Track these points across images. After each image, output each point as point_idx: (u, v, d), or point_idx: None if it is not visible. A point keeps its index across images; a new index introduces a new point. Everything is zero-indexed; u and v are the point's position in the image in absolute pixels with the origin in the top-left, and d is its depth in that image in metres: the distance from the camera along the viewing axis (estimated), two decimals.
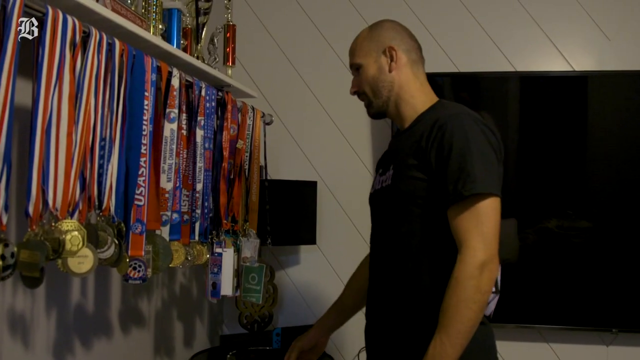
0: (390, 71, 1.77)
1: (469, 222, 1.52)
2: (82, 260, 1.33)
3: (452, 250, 1.55)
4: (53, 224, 1.28)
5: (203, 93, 1.91)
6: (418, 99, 1.78)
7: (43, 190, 1.23)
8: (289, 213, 2.80)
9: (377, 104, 1.80)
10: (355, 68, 1.83)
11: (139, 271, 1.59)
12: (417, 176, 1.63)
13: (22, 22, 1.16)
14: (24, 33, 1.16)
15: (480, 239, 1.50)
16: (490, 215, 1.53)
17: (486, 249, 1.50)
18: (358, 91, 1.85)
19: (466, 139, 1.57)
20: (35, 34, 1.19)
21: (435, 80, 2.85)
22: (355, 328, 2.94)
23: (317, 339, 2.07)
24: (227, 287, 2.06)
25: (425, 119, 1.71)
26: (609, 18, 2.86)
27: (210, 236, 2.01)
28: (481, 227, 1.51)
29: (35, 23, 1.19)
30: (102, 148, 1.41)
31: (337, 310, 2.10)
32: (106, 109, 1.42)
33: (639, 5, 2.83)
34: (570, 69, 2.85)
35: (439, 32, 2.94)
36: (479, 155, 1.56)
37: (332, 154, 3.07)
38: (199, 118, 1.89)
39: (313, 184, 2.92)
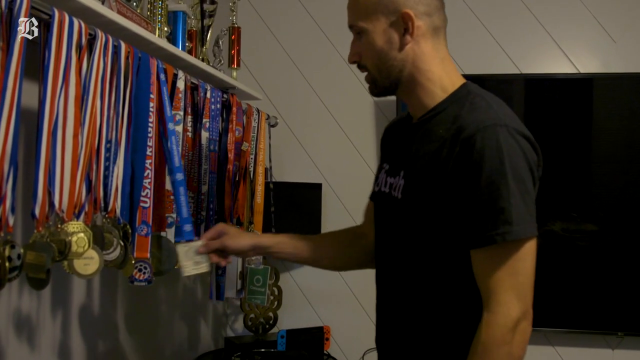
0: (403, 47, 1.36)
1: (501, 271, 1.23)
2: (88, 262, 1.33)
3: (475, 290, 1.29)
4: (59, 225, 1.28)
5: (208, 95, 1.92)
6: (437, 82, 1.39)
7: (49, 192, 1.23)
8: (294, 215, 2.80)
9: (383, 84, 1.42)
10: (357, 32, 1.43)
11: (144, 273, 1.59)
12: (434, 199, 1.30)
13: (22, 22, 1.15)
14: (23, 33, 1.15)
15: (513, 293, 1.22)
16: (527, 262, 1.24)
17: (521, 304, 1.23)
18: (358, 61, 1.45)
19: (500, 161, 1.22)
20: (35, 33, 1.19)
21: None
22: (359, 329, 2.95)
23: (245, 251, 1.70)
24: (230, 289, 2.06)
25: (443, 114, 1.36)
26: (615, 20, 2.85)
27: None
28: (516, 277, 1.23)
29: (35, 23, 1.19)
30: (107, 150, 1.41)
31: (288, 241, 1.72)
32: (112, 111, 1.42)
33: None
34: (576, 71, 2.85)
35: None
36: (515, 183, 1.22)
37: (337, 156, 3.07)
38: (204, 120, 1.89)
39: (318, 186, 2.93)
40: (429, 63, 1.38)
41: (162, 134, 1.64)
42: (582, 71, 2.85)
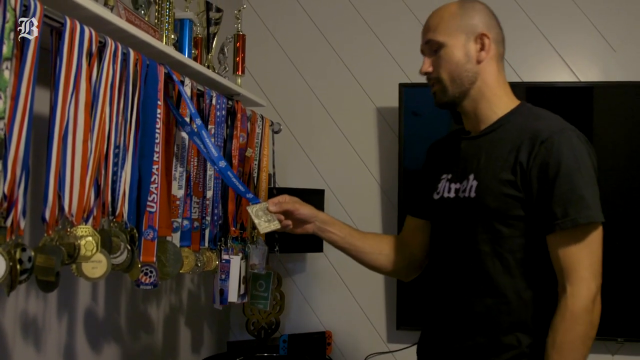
0: (478, 61, 1.58)
1: (581, 251, 1.43)
2: (96, 266, 1.35)
3: (547, 278, 1.49)
4: (68, 229, 1.30)
5: (214, 102, 1.94)
6: (500, 99, 1.61)
7: (59, 196, 1.25)
8: None
9: (453, 94, 1.61)
10: (434, 48, 1.61)
11: (150, 277, 1.61)
12: (511, 194, 1.49)
13: (22, 22, 1.16)
14: (24, 33, 1.17)
15: (591, 270, 1.42)
16: (599, 245, 1.45)
17: (597, 280, 1.43)
18: (431, 74, 1.64)
19: (575, 158, 1.46)
20: (35, 33, 1.21)
21: None
22: (361, 334, 2.97)
23: (312, 219, 1.76)
24: (233, 294, 2.08)
25: (509, 125, 1.57)
26: (615, 29, 2.88)
27: (219, 243, 2.03)
28: (592, 257, 1.44)
29: (35, 23, 1.20)
30: (116, 155, 1.44)
31: (343, 225, 1.83)
32: (120, 117, 1.45)
33: None
34: (576, 80, 2.88)
35: None
36: (588, 177, 1.46)
37: (340, 163, 3.10)
38: (209, 126, 1.91)
39: (320, 192, 2.94)
40: (496, 81, 1.61)
41: (193, 133, 1.73)
42: (582, 80, 2.88)
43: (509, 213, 1.50)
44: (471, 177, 1.57)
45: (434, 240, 1.73)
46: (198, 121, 1.72)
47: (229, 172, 1.73)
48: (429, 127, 2.89)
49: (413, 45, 3.02)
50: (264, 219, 1.67)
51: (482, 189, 1.54)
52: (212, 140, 1.92)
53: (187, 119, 1.76)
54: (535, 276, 1.52)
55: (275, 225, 1.69)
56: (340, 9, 3.16)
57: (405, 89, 2.87)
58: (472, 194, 1.55)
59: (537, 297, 1.52)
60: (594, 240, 1.44)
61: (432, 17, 1.63)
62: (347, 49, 3.13)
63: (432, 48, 1.62)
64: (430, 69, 1.63)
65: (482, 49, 1.58)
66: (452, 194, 1.63)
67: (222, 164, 1.72)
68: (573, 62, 2.90)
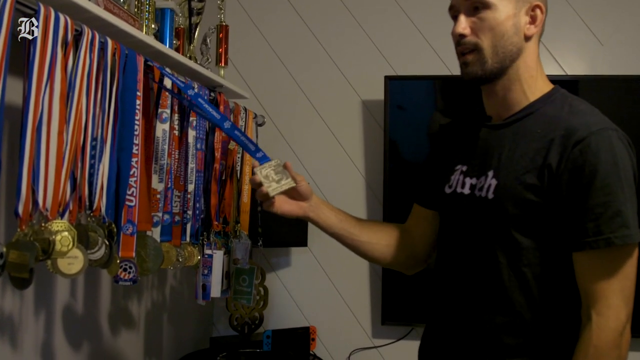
0: (527, 37, 1.34)
1: (612, 275, 1.23)
2: (72, 261, 1.31)
3: (568, 299, 1.30)
4: (43, 224, 1.26)
5: None
6: (536, 81, 1.38)
7: (33, 190, 1.21)
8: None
9: (491, 68, 1.34)
10: (475, 5, 1.33)
11: (129, 272, 1.58)
12: (533, 199, 1.28)
13: (22, 22, 1.14)
14: (24, 33, 1.15)
15: (622, 296, 1.23)
16: (634, 267, 1.25)
17: (628, 308, 1.24)
18: (468, 37, 1.35)
19: (615, 165, 1.23)
20: (36, 34, 1.18)
21: (428, 82, 2.87)
22: (345, 329, 2.95)
23: (309, 198, 1.56)
24: (216, 289, 2.05)
25: (539, 114, 1.35)
26: (602, 23, 2.87)
27: (201, 237, 2.00)
28: (624, 281, 1.23)
29: (35, 23, 1.17)
30: (93, 148, 1.39)
31: (339, 211, 1.63)
32: (98, 109, 1.40)
33: (632, 10, 2.84)
34: (563, 73, 2.86)
35: (432, 35, 2.94)
36: (629, 188, 1.24)
37: (324, 156, 3.06)
38: (191, 119, 1.87)
39: None
40: (535, 61, 1.38)
41: (190, 103, 1.68)
42: (569, 73, 2.86)
43: (530, 222, 1.30)
44: (490, 174, 1.36)
45: (442, 239, 1.54)
46: (190, 91, 1.66)
47: (236, 131, 1.60)
48: (415, 120, 2.87)
49: (399, 37, 3.02)
50: (274, 180, 1.46)
51: (501, 190, 1.33)
52: (194, 133, 1.89)
53: (168, 111, 1.72)
54: (555, 296, 1.32)
55: (289, 184, 1.47)
56: (325, 0, 3.12)
57: (391, 82, 2.84)
58: (490, 195, 1.34)
59: (555, 320, 1.33)
60: (630, 263, 1.24)
61: None
62: (332, 41, 3.09)
63: (473, 5, 1.33)
64: (467, 32, 1.34)
65: (532, 22, 1.35)
66: (466, 190, 1.42)
67: (227, 124, 1.60)
68: (560, 55, 2.88)
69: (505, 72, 1.36)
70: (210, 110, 1.62)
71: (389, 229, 1.68)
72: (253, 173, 1.48)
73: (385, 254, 1.65)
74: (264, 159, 1.53)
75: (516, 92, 1.38)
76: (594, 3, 2.88)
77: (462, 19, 1.35)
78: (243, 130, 2.28)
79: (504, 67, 1.35)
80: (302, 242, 2.89)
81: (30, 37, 1.16)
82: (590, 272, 1.25)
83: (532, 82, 1.37)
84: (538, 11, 1.35)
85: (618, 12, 2.86)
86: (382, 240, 1.64)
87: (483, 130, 1.45)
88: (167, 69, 1.71)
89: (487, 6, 1.32)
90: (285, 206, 1.53)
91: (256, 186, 1.47)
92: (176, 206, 1.84)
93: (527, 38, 1.35)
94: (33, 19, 1.17)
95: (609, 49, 2.85)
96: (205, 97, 1.97)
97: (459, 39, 1.37)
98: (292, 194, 1.53)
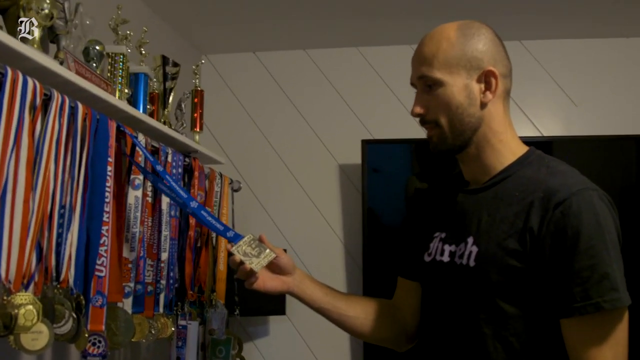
0: (483, 105, 1.30)
1: (603, 341, 1.17)
2: (37, 337, 1.24)
3: None
4: (5, 297, 1.19)
5: (169, 159, 1.86)
6: (507, 145, 1.33)
7: None
8: None
9: (453, 143, 1.32)
10: (428, 83, 1.32)
11: (98, 347, 1.49)
12: (516, 265, 1.22)
13: (21, 21, 1.13)
14: (24, 33, 1.13)
15: None
16: (625, 332, 1.18)
17: None
18: (425, 117, 1.34)
19: (598, 226, 1.18)
20: (36, 34, 1.12)
21: (405, 146, 2.87)
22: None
23: (293, 272, 1.50)
24: None
25: (517, 177, 1.30)
26: (576, 84, 2.92)
27: (175, 308, 1.92)
28: (617, 347, 1.17)
29: (36, 23, 1.12)
30: (61, 216, 1.34)
31: (322, 285, 1.56)
32: (67, 175, 1.35)
33: (605, 71, 2.89)
34: (539, 134, 2.88)
35: (408, 98, 2.91)
36: (614, 249, 1.18)
37: (302, 221, 3.03)
38: None
39: None
40: (502, 125, 1.33)
41: (156, 179, 1.62)
42: (545, 134, 2.88)
43: (514, 289, 1.23)
44: (470, 240, 1.30)
45: (425, 310, 1.46)
46: (159, 167, 1.61)
47: (202, 212, 1.56)
48: (392, 183, 2.86)
49: (375, 101, 3.03)
50: (254, 253, 1.41)
51: (483, 257, 1.26)
52: (168, 199, 1.83)
53: (140, 177, 1.67)
54: None
55: (270, 255, 1.42)
56: (300, 65, 3.14)
57: (368, 146, 2.83)
58: (472, 263, 1.28)
59: None
60: (621, 328, 1.17)
61: (426, 45, 1.33)
62: (308, 106, 3.09)
63: (425, 83, 1.33)
64: (423, 111, 1.34)
65: (487, 89, 1.30)
66: (446, 258, 1.36)
67: (194, 204, 1.55)
68: (535, 116, 2.91)
69: (469, 142, 1.33)
70: (178, 189, 1.58)
71: (377, 304, 1.59)
72: (229, 254, 1.43)
73: (374, 330, 1.56)
74: (236, 237, 1.47)
75: (488, 158, 1.34)
76: (567, 65, 2.93)
77: (417, 97, 1.36)
78: (219, 195, 2.23)
79: (466, 138, 1.32)
80: (281, 310, 2.82)
81: (30, 37, 1.11)
82: (581, 340, 1.19)
83: (502, 146, 1.33)
84: (491, 77, 1.29)
85: (591, 74, 2.91)
86: (370, 315, 1.55)
87: (460, 196, 1.40)
88: (141, 137, 1.68)
89: (438, 84, 1.30)
90: (268, 283, 1.47)
91: (237, 266, 1.42)
92: (149, 276, 1.77)
93: (484, 105, 1.31)
94: (33, 19, 1.12)
95: (583, 110, 2.89)
96: (180, 163, 1.93)
97: (418, 118, 1.36)
98: (274, 269, 1.47)
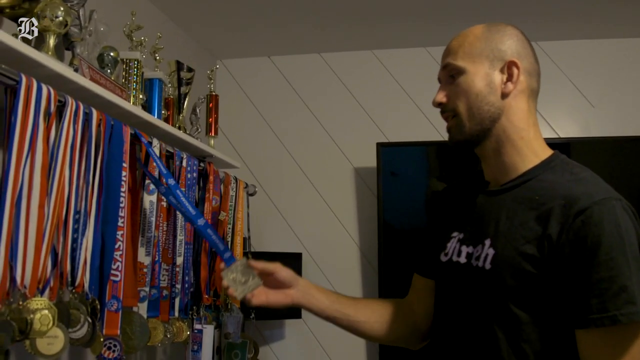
0: (504, 95, 1.29)
1: (618, 355, 1.14)
2: (52, 341, 1.25)
3: None
4: (21, 302, 1.20)
5: (184, 164, 1.87)
6: (529, 144, 1.30)
7: (11, 267, 1.15)
8: None
9: (471, 131, 1.31)
10: (451, 73, 1.33)
11: (114, 351, 1.50)
12: (530, 271, 1.20)
13: (21, 22, 1.13)
14: (24, 33, 1.14)
15: None
16: None
17: None
18: (446, 104, 1.34)
19: (619, 237, 1.14)
20: (36, 34, 1.13)
21: (420, 148, 2.86)
22: None
23: (294, 283, 1.50)
24: None
25: (538, 181, 1.28)
26: (593, 85, 2.89)
27: (190, 312, 1.93)
28: None
29: (36, 23, 1.14)
30: (76, 221, 1.35)
31: (329, 291, 1.57)
32: (81, 181, 1.36)
33: (621, 72, 2.86)
34: (556, 136, 2.86)
35: (423, 101, 2.94)
36: (635, 261, 1.14)
37: (317, 225, 3.02)
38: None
39: (298, 256, 2.86)
40: (524, 121, 1.31)
41: (168, 192, 1.61)
42: (562, 135, 2.86)
43: (528, 294, 1.21)
44: (487, 242, 1.28)
45: (438, 309, 1.45)
46: (171, 180, 1.61)
47: (209, 230, 1.56)
48: (408, 186, 2.85)
49: (390, 104, 3.03)
50: (241, 280, 1.43)
51: (499, 261, 1.24)
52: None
53: (150, 185, 1.68)
54: None
55: (256, 283, 1.43)
56: (315, 69, 3.14)
57: (383, 149, 2.82)
58: (487, 265, 1.26)
59: None
60: (636, 343, 1.13)
61: (454, 40, 1.35)
62: (323, 109, 3.09)
63: (449, 74, 1.34)
64: (444, 99, 1.34)
65: (509, 79, 1.29)
66: (462, 259, 1.34)
67: (201, 221, 1.56)
68: (553, 118, 2.89)
69: (488, 134, 1.31)
70: (187, 204, 1.58)
71: (387, 305, 1.58)
72: (222, 276, 1.44)
73: (386, 332, 1.56)
74: (230, 260, 1.48)
75: (508, 156, 1.31)
76: (584, 66, 2.90)
77: (440, 88, 1.36)
78: (234, 200, 2.24)
79: (485, 128, 1.30)
80: (296, 313, 2.81)
81: (30, 37, 1.12)
82: (595, 352, 1.15)
83: (524, 145, 1.30)
84: (514, 68, 1.29)
85: (607, 74, 2.88)
86: (381, 317, 1.55)
87: (480, 197, 1.37)
88: (155, 142, 1.69)
89: (460, 72, 1.31)
90: (271, 297, 1.47)
91: (224, 290, 1.45)
92: (164, 280, 1.78)
93: (505, 95, 1.30)
94: (33, 19, 1.13)
95: (600, 111, 2.86)
96: (195, 167, 1.94)
97: (439, 107, 1.36)
98: (275, 283, 1.47)
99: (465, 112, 1.30)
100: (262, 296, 1.45)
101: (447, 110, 1.34)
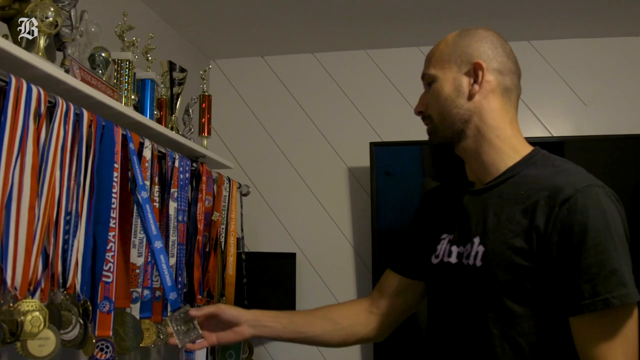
0: (470, 97, 1.33)
1: (614, 338, 1.15)
2: (44, 343, 1.25)
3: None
4: (12, 304, 1.19)
5: (177, 164, 1.86)
6: (506, 142, 1.34)
7: (1, 269, 1.15)
8: (268, 286, 2.72)
9: (444, 134, 1.37)
10: (428, 82, 1.40)
11: (106, 352, 1.50)
12: (523, 264, 1.22)
13: (21, 21, 1.14)
14: (24, 33, 1.14)
15: None
16: (636, 328, 1.16)
17: None
18: (423, 112, 1.41)
19: (605, 222, 1.17)
20: (36, 34, 1.13)
21: (414, 148, 2.86)
22: None
23: (241, 320, 1.52)
24: None
25: (521, 177, 1.30)
26: (585, 84, 2.89)
27: None
28: (627, 344, 1.15)
29: (36, 23, 1.13)
30: (67, 222, 1.34)
31: (291, 318, 1.58)
32: (72, 182, 1.36)
33: (613, 70, 2.87)
34: (549, 135, 2.86)
35: (416, 101, 2.92)
36: (621, 245, 1.17)
37: (311, 225, 3.02)
38: (172, 190, 1.83)
39: (292, 256, 2.86)
40: (498, 120, 1.34)
41: (136, 204, 1.60)
42: (555, 134, 2.86)
43: (522, 288, 1.23)
44: (476, 240, 1.30)
45: (433, 311, 1.46)
46: (144, 194, 1.59)
47: (161, 256, 1.55)
48: (402, 186, 2.85)
49: (383, 104, 3.03)
50: (183, 329, 1.46)
51: (489, 257, 1.26)
52: (175, 204, 1.84)
53: (147, 183, 1.68)
54: None
55: (196, 334, 1.46)
56: (308, 69, 3.14)
57: (377, 148, 2.82)
58: (478, 263, 1.27)
59: None
60: (631, 324, 1.15)
61: (431, 49, 1.42)
62: (317, 109, 3.09)
63: (426, 82, 1.41)
64: (422, 108, 1.41)
65: (475, 81, 1.33)
66: (453, 259, 1.36)
67: (158, 244, 1.55)
68: (545, 117, 2.89)
69: (463, 135, 1.36)
70: (151, 223, 1.56)
71: (345, 309, 1.63)
72: (164, 323, 1.50)
73: (346, 337, 1.60)
74: (174, 305, 1.51)
75: (487, 155, 1.35)
76: (576, 65, 2.91)
77: (421, 97, 1.43)
78: (227, 200, 2.23)
79: (457, 130, 1.36)
80: None
81: (30, 37, 1.12)
82: (590, 337, 1.17)
83: (501, 143, 1.34)
84: (478, 69, 1.33)
85: (600, 73, 2.89)
86: (337, 325, 1.58)
87: (465, 197, 1.40)
88: (147, 142, 1.68)
89: (433, 79, 1.38)
90: (222, 338, 1.52)
91: (169, 335, 1.51)
92: (157, 281, 1.78)
93: (471, 97, 1.34)
94: (33, 19, 1.13)
95: (593, 110, 2.87)
96: (188, 168, 1.93)
97: (419, 115, 1.44)
98: (223, 323, 1.51)
99: (437, 117, 1.37)
100: (213, 337, 1.51)
101: (425, 117, 1.41)
